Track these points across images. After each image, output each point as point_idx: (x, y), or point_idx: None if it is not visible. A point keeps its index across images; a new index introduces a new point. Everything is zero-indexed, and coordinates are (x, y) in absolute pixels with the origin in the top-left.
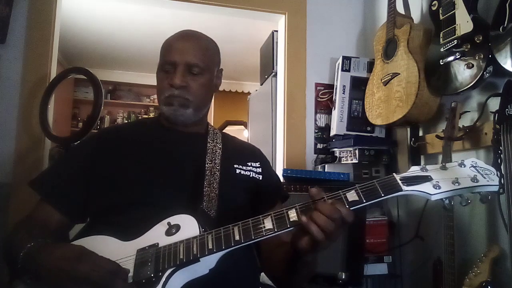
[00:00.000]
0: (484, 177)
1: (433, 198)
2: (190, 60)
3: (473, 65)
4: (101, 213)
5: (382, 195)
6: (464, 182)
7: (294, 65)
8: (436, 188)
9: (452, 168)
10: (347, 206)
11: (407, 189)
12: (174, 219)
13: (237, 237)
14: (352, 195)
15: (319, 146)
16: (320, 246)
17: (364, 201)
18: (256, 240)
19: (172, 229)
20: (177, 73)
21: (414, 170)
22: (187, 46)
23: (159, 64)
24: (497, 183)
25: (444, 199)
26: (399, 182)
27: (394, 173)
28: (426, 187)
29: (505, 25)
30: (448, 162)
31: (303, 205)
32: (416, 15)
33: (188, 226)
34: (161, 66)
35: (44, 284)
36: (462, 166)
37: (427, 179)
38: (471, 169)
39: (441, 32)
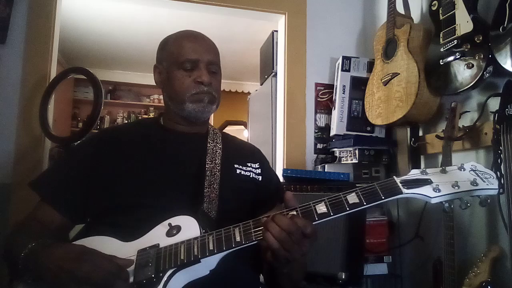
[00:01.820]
0: (484, 181)
1: (433, 201)
2: (211, 59)
3: (473, 65)
4: (102, 213)
5: (383, 197)
6: (463, 185)
7: (294, 65)
8: (436, 191)
9: (452, 171)
10: (316, 219)
11: (407, 192)
12: (174, 220)
13: (238, 238)
14: (352, 198)
15: (319, 146)
16: (281, 257)
17: (365, 203)
18: (256, 242)
19: (173, 230)
20: (202, 70)
21: (414, 173)
22: (205, 45)
23: (176, 63)
24: (497, 187)
25: (444, 203)
26: (399, 185)
27: (394, 176)
28: (426, 190)
29: (505, 25)
30: (448, 163)
31: (304, 207)
32: (416, 15)
33: (189, 227)
34: (179, 65)
35: (45, 284)
36: (462, 169)
37: (427, 182)
38: (471, 172)
39: (441, 32)
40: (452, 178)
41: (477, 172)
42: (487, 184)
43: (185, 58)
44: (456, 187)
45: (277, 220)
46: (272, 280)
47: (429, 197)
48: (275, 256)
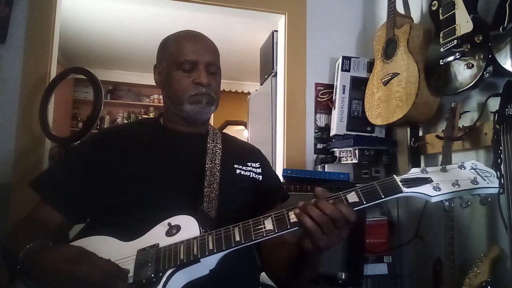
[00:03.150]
0: (484, 179)
1: (433, 200)
2: (210, 59)
3: (473, 65)
4: (101, 213)
5: (383, 196)
6: (464, 184)
7: (294, 65)
8: (436, 190)
9: (452, 170)
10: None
11: (407, 191)
12: (174, 220)
13: (237, 238)
14: (352, 197)
15: (319, 146)
16: (319, 243)
17: (365, 202)
18: (256, 241)
19: (173, 230)
20: (201, 72)
21: (415, 172)
22: (204, 46)
23: (176, 63)
24: (497, 185)
25: (444, 201)
26: (399, 183)
27: (394, 175)
28: (426, 189)
29: (505, 25)
30: (448, 163)
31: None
32: (416, 15)
33: (189, 226)
34: (178, 65)
35: (44, 285)
36: (462, 168)
37: (427, 181)
38: (471, 171)
39: (441, 32)
40: (452, 177)
41: (477, 170)
42: (488, 183)
43: (184, 59)
44: (457, 186)
45: (321, 205)
46: (289, 273)
47: (429, 196)
48: (314, 242)
